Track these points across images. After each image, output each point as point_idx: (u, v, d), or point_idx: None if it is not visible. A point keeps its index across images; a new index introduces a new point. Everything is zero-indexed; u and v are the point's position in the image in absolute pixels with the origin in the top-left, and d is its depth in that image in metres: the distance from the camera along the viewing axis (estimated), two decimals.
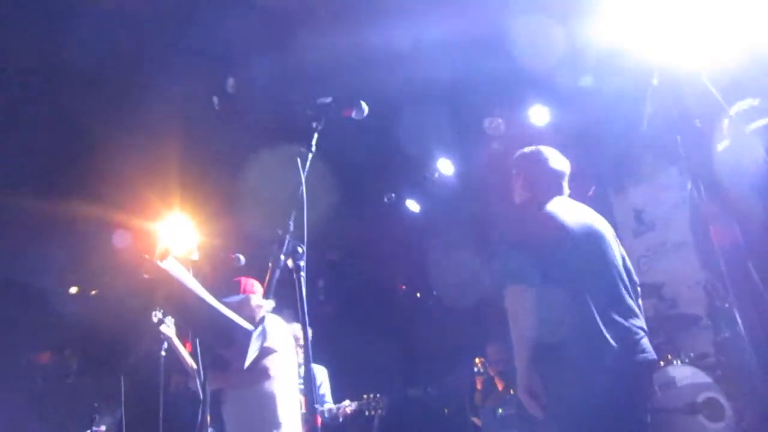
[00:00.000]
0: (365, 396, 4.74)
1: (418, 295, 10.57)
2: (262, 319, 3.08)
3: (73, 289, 9.00)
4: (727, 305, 4.48)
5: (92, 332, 9.49)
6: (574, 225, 2.78)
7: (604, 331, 2.57)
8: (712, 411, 4.24)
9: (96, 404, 5.61)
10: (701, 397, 4.25)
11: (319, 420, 1.69)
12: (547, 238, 2.70)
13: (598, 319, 2.60)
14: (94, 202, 6.48)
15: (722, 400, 4.22)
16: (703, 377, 4.32)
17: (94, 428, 5.48)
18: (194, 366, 4.65)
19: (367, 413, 4.70)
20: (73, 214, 6.33)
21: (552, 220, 2.76)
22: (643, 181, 7.80)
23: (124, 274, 7.50)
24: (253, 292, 3.86)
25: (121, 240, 6.78)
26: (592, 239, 2.81)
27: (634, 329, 2.66)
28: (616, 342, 2.57)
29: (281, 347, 3.63)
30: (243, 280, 3.83)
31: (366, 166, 7.05)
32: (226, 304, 3.73)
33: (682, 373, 4.35)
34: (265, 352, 3.39)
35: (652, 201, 7.68)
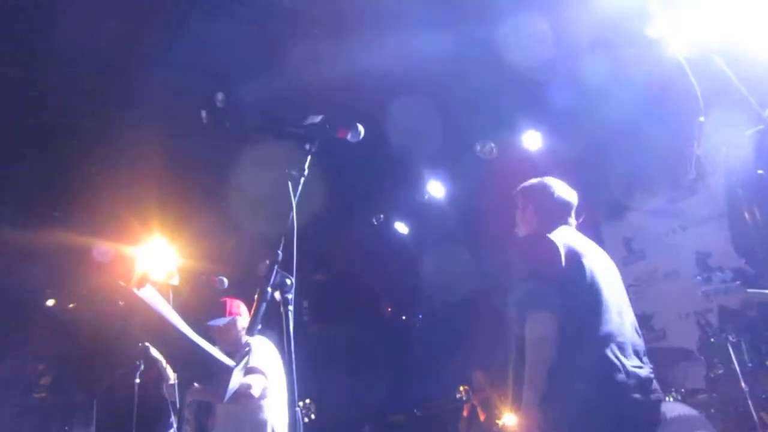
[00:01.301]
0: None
1: (404, 317, 10.44)
2: (248, 346, 3.01)
3: (50, 302, 8.75)
4: (724, 337, 4.40)
5: (68, 350, 9.25)
6: (586, 255, 2.73)
7: (621, 367, 2.51)
8: None
9: (66, 428, 5.40)
10: None
11: None
12: (564, 267, 2.64)
13: (614, 355, 2.53)
14: (72, 223, 6.34)
15: None
16: (695, 415, 4.20)
17: None
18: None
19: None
20: (51, 235, 6.16)
21: (567, 250, 2.70)
22: (632, 209, 7.77)
23: (101, 297, 7.34)
24: (239, 314, 3.75)
25: (99, 255, 6.59)
26: (603, 271, 2.77)
27: (646, 368, 2.61)
28: (632, 379, 2.51)
29: (269, 370, 3.56)
30: (228, 301, 3.71)
31: (355, 185, 6.94)
32: (212, 328, 3.64)
33: (676, 410, 4.24)
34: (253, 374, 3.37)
35: (641, 229, 7.64)
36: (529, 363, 2.57)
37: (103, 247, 6.73)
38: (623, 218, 7.88)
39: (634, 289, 7.38)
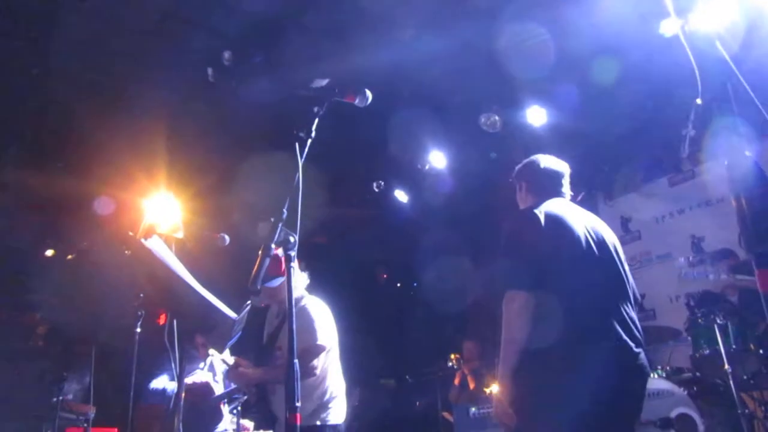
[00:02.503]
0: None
1: (399, 285, 10.56)
2: (246, 306, 3.09)
3: (49, 252, 8.82)
4: (711, 319, 4.50)
5: (66, 301, 9.34)
6: (575, 227, 2.72)
7: (604, 341, 2.54)
8: (685, 426, 4.26)
9: (65, 374, 5.50)
10: (675, 412, 4.27)
11: (299, 418, 1.62)
12: (547, 242, 2.65)
13: (597, 327, 2.56)
14: (76, 175, 6.35)
15: (695, 416, 4.24)
16: (678, 392, 4.33)
17: (61, 396, 5.39)
18: None
19: None
20: (55, 184, 6.18)
21: (551, 218, 2.71)
22: (632, 189, 7.82)
23: (104, 248, 7.38)
24: (281, 271, 3.82)
25: (103, 207, 6.63)
26: (594, 243, 2.75)
27: (634, 341, 2.61)
28: (616, 353, 2.54)
29: (329, 339, 3.73)
30: (282, 260, 3.74)
31: (357, 151, 6.96)
32: (267, 289, 3.72)
33: (659, 386, 4.36)
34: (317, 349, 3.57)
35: (640, 210, 7.71)
36: (502, 340, 2.62)
37: (105, 200, 6.77)
38: (622, 198, 7.94)
39: (629, 268, 7.47)
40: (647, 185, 7.66)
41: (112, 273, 6.93)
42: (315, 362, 3.55)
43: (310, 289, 4.04)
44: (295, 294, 3.90)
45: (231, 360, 3.82)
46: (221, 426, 4.88)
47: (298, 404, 1.68)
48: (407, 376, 8.68)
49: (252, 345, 3.86)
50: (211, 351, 4.55)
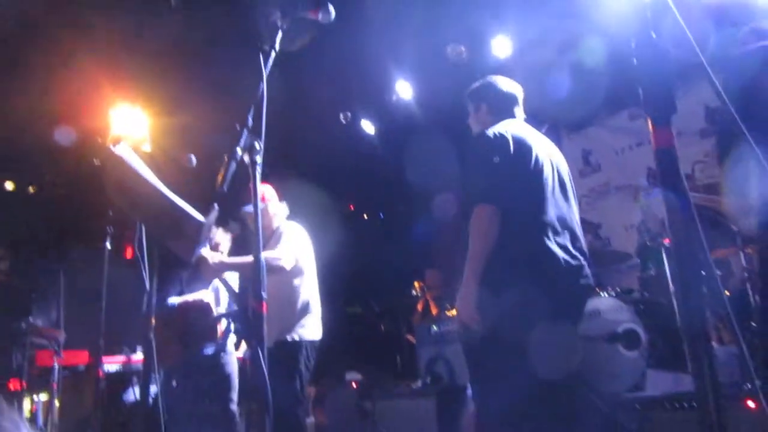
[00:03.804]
0: None
1: (365, 216, 10.71)
2: (214, 211, 3.21)
3: (9, 185, 8.65)
4: (659, 242, 4.74)
5: (28, 231, 9.25)
6: (534, 145, 2.87)
7: (556, 253, 2.72)
8: (630, 341, 4.55)
9: (33, 294, 5.53)
10: (621, 328, 4.55)
11: (265, 307, 1.74)
12: (511, 155, 2.79)
13: (550, 241, 2.74)
14: (35, 95, 6.14)
15: (640, 331, 4.53)
16: (625, 310, 4.60)
17: (30, 320, 5.44)
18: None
19: None
20: (12, 108, 5.97)
21: (515, 139, 2.84)
22: (594, 123, 7.99)
23: (69, 169, 7.27)
24: (269, 200, 3.99)
25: (64, 137, 6.51)
26: (549, 162, 2.92)
27: (580, 255, 2.82)
28: (565, 264, 2.73)
29: (300, 250, 3.99)
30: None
31: (323, 81, 6.91)
32: (245, 214, 3.87)
33: (608, 304, 4.62)
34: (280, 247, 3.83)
35: (600, 143, 7.90)
36: (469, 254, 2.76)
37: (66, 130, 6.64)
38: (584, 132, 8.11)
39: (587, 199, 7.74)
40: (609, 119, 7.82)
41: (78, 203, 6.89)
42: (279, 263, 3.74)
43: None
44: (275, 223, 4.09)
45: (236, 281, 4.00)
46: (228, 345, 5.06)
47: (264, 294, 1.80)
48: (373, 305, 8.96)
49: None
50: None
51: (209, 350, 4.98)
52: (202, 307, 4.85)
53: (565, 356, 2.78)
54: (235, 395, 4.95)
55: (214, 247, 4.74)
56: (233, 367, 5.05)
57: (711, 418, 1.29)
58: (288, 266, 3.82)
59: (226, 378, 4.96)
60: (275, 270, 3.70)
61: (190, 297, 4.90)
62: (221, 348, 5.01)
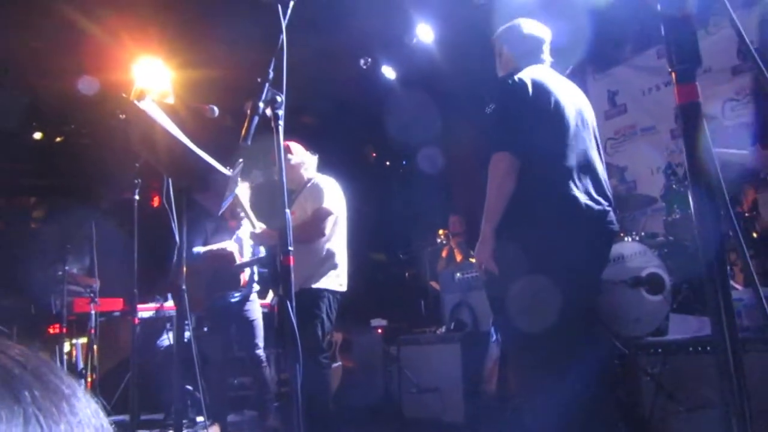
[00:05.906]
0: None
1: (388, 163, 10.69)
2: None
3: (38, 135, 8.79)
4: (686, 185, 4.67)
5: (60, 181, 9.45)
6: (559, 96, 2.84)
7: (578, 198, 2.72)
8: (653, 285, 4.55)
9: (68, 246, 5.72)
10: (645, 272, 4.55)
11: (292, 260, 1.79)
12: (533, 108, 2.77)
13: (573, 186, 2.74)
14: (60, 51, 6.15)
15: (664, 275, 4.52)
16: (649, 254, 4.58)
17: (66, 268, 5.64)
18: None
19: None
20: (37, 53, 6.01)
21: (536, 84, 2.81)
22: (621, 62, 7.76)
23: (94, 119, 7.34)
24: (293, 153, 4.06)
25: (87, 87, 6.55)
26: (573, 107, 2.89)
27: (604, 201, 2.82)
28: (587, 210, 2.73)
29: (336, 208, 4.04)
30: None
31: (342, 26, 6.79)
32: (269, 163, 3.98)
33: (632, 249, 4.60)
34: (323, 211, 3.93)
35: (627, 83, 7.70)
36: (488, 198, 2.78)
37: (89, 79, 6.68)
38: (610, 72, 7.89)
39: (612, 142, 7.61)
40: (635, 57, 7.59)
41: (104, 152, 6.99)
42: (323, 224, 3.82)
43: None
44: (307, 175, 4.15)
45: (261, 227, 4.12)
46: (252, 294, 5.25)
47: (291, 248, 1.85)
48: (399, 253, 9.04)
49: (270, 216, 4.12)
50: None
51: (234, 298, 5.14)
52: (227, 256, 4.98)
53: (586, 300, 2.83)
54: (261, 341, 5.14)
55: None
56: (257, 314, 5.22)
57: (727, 362, 1.31)
58: (327, 233, 3.96)
59: (251, 324, 5.14)
60: (317, 237, 3.89)
61: (214, 246, 5.03)
62: (246, 295, 5.17)
